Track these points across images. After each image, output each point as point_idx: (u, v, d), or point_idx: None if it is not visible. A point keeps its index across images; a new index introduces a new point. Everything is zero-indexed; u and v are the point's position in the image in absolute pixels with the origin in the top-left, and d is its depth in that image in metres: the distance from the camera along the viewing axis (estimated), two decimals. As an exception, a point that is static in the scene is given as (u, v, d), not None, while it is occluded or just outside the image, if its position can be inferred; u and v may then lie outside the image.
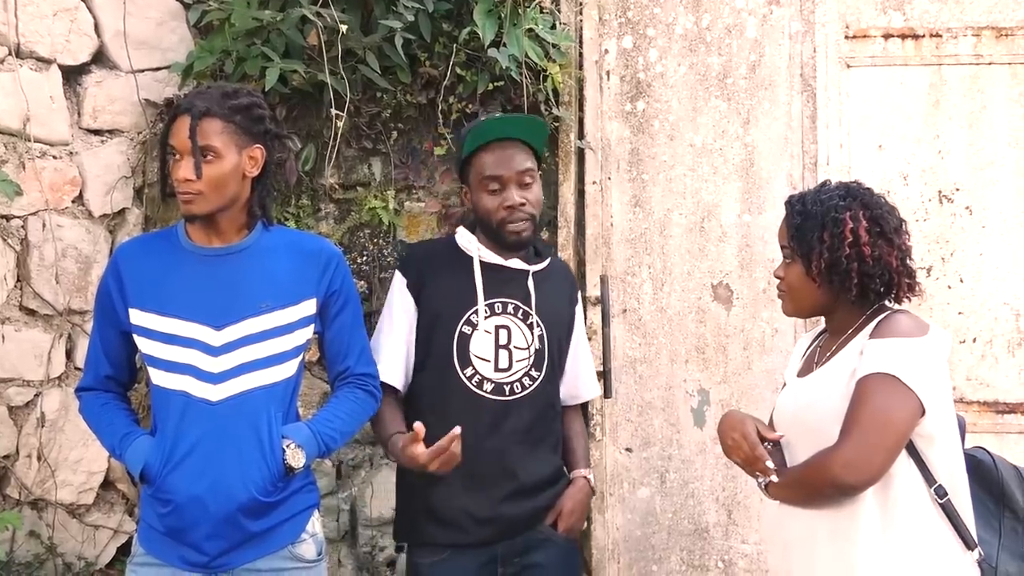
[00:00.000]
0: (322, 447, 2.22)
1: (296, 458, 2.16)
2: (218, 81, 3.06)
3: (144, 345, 2.16)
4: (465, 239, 2.42)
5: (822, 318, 2.12)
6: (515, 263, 2.40)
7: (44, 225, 2.98)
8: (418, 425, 2.16)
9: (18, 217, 2.96)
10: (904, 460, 1.87)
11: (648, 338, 3.21)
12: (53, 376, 3.01)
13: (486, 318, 2.36)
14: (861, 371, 1.87)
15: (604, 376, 3.11)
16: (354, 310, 2.32)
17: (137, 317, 2.16)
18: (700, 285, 3.20)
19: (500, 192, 2.35)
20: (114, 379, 2.27)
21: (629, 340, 3.21)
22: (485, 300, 2.36)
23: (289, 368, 2.20)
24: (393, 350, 2.39)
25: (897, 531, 1.85)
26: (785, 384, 2.15)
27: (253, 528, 2.14)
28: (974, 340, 3.16)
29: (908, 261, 1.98)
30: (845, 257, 1.92)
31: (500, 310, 2.38)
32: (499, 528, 2.33)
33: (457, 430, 2.15)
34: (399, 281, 2.43)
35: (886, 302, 1.99)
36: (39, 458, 2.98)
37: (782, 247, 2.06)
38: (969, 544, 1.89)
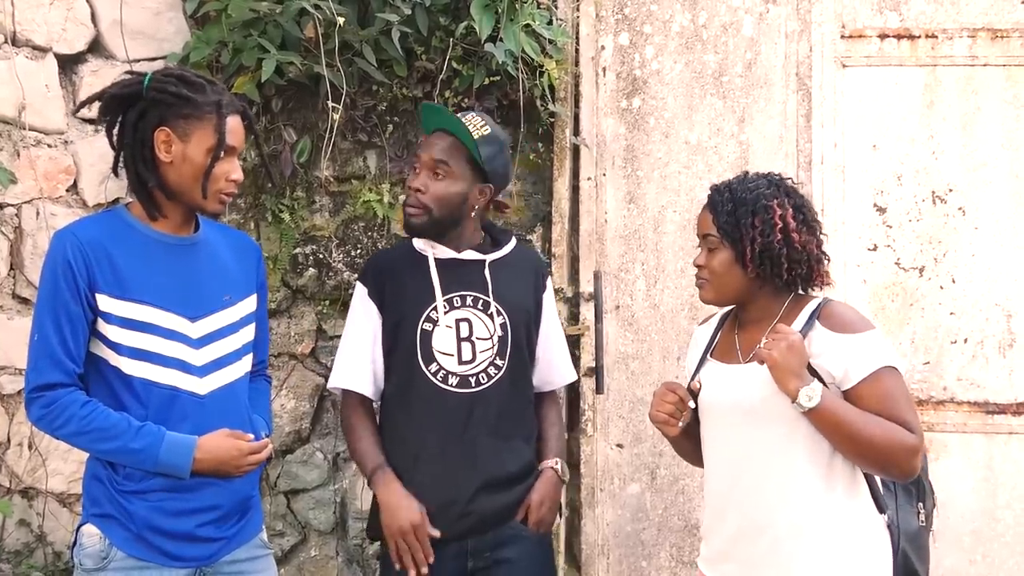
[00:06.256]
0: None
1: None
2: (214, 72, 3.07)
3: (115, 334, 2.03)
4: (419, 240, 2.43)
5: (715, 309, 2.23)
6: (470, 255, 2.41)
7: (38, 214, 2.98)
8: None
9: (12, 205, 2.96)
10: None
11: (641, 334, 3.22)
12: (45, 365, 3.01)
13: (446, 313, 2.37)
14: (860, 367, 1.95)
15: (596, 372, 3.13)
16: (266, 302, 2.35)
17: (107, 304, 2.03)
18: (693, 282, 3.19)
19: (416, 174, 2.39)
20: (80, 375, 2.04)
21: (622, 336, 3.22)
22: (443, 295, 2.38)
23: (248, 362, 2.23)
24: (360, 359, 2.41)
25: (842, 511, 2.00)
26: (696, 376, 2.16)
27: (241, 520, 2.17)
28: (965, 340, 3.17)
29: (824, 249, 2.08)
30: (777, 243, 2.01)
31: (459, 303, 2.39)
32: (470, 523, 2.34)
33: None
34: (360, 291, 2.45)
35: (800, 290, 2.09)
36: (30, 447, 2.98)
37: (704, 236, 2.11)
38: (881, 508, 2.05)
